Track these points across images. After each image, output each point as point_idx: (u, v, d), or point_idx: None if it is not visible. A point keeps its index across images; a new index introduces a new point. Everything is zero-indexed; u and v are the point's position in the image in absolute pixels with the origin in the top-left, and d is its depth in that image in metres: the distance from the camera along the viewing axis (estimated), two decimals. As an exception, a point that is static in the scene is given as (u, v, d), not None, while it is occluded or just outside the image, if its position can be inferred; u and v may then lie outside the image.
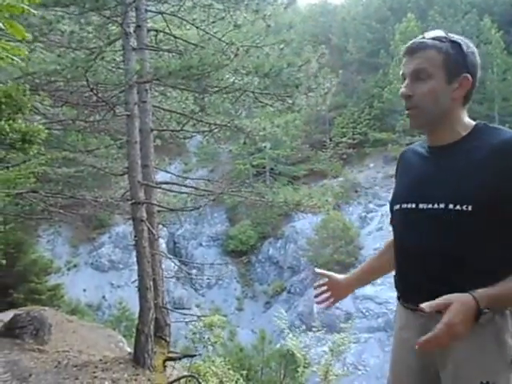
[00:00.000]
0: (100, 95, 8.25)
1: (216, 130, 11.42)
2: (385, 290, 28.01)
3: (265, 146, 12.22)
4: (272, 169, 38.14)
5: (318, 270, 2.51)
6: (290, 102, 10.19)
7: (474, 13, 37.81)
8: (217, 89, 9.26)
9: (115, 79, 8.36)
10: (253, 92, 9.52)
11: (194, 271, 30.11)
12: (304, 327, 23.86)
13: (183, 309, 30.36)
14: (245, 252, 35.52)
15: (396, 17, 40.49)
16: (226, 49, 8.42)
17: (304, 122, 35.85)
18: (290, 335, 12.52)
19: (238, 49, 8.24)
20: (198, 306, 31.60)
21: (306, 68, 9.48)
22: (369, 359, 26.25)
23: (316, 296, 2.49)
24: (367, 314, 27.59)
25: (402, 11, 40.54)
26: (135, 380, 8.50)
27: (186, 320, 10.51)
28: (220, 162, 41.17)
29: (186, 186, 11.61)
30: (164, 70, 7.75)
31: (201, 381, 10.17)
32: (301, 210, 11.17)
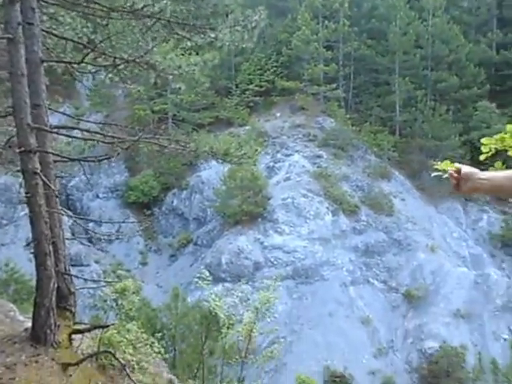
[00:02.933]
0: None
1: (122, 67, 9.64)
2: (293, 239, 28.32)
3: (179, 88, 10.58)
4: (175, 115, 36.09)
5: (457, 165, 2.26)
6: (213, 35, 8.80)
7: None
8: (122, 12, 7.72)
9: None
10: (168, 21, 8.19)
11: (90, 225, 27.95)
12: (212, 278, 23.26)
13: (81, 265, 28.30)
14: (147, 204, 33.78)
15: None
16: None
17: (208, 66, 34.03)
18: (213, 296, 11.61)
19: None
20: (97, 262, 29.63)
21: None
22: (277, 306, 26.50)
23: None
24: (276, 262, 27.73)
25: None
26: (36, 362, 7.26)
27: (93, 286, 9.10)
28: (116, 107, 38.03)
29: (88, 131, 9.86)
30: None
31: (117, 355, 8.97)
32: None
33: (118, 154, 9.61)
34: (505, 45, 36.78)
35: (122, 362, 9.19)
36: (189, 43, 9.09)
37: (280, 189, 30.69)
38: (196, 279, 14.66)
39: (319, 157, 32.28)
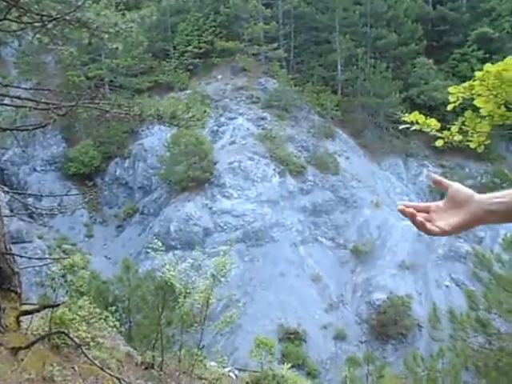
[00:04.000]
0: None
1: (51, 26, 8.75)
2: (241, 203, 28.21)
3: (117, 48, 9.69)
4: (111, 81, 34.40)
5: (432, 176, 1.36)
6: None
7: None
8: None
9: None
10: None
11: (30, 200, 26.53)
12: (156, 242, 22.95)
13: (23, 242, 26.98)
14: (89, 175, 32.41)
15: None
16: None
17: (143, 27, 32.42)
18: (167, 266, 11.26)
19: None
20: (40, 237, 28.32)
21: None
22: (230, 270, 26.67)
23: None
24: (225, 227, 27.60)
25: None
26: (-19, 350, 6.74)
27: (39, 264, 8.52)
28: (47, 74, 35.68)
29: (19, 98, 9.02)
30: None
31: (71, 333, 8.54)
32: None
33: (55, 120, 8.87)
34: (440, 0, 37.42)
35: (77, 340, 8.80)
36: None
37: (226, 153, 30.28)
38: (148, 249, 14.25)
39: (263, 119, 31.98)
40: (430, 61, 35.03)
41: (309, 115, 32.89)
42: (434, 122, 3.87)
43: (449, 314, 9.68)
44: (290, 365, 17.26)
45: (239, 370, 18.50)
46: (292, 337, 24.43)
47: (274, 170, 29.25)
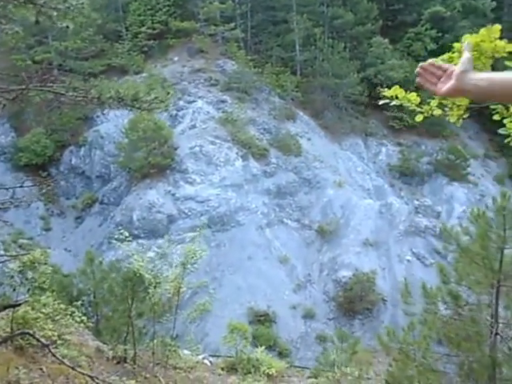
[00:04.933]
0: None
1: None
2: (205, 189, 27.73)
3: (67, 27, 8.95)
4: (61, 65, 32.79)
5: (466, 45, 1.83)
6: None
7: None
8: None
9: None
10: None
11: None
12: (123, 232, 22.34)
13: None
14: (42, 165, 31.03)
15: None
16: None
17: (93, 7, 31.03)
18: (136, 257, 10.84)
19: None
20: (-8, 233, 26.96)
21: None
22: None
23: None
24: (190, 213, 27.11)
25: None
26: None
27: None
28: (-11, 58, 33.68)
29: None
30: None
31: (36, 333, 8.03)
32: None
33: (4, 105, 8.21)
34: (394, -21, 37.68)
35: (43, 340, 8.33)
36: None
37: (186, 138, 29.61)
38: (112, 240, 13.73)
39: (223, 102, 31.41)
40: (386, 40, 35.30)
41: (269, 97, 32.56)
42: (413, 97, 3.69)
43: (422, 288, 9.80)
44: (263, 347, 17.27)
45: (213, 356, 18.36)
46: (262, 319, 24.48)
47: (237, 153, 28.87)
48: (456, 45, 3.92)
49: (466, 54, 1.72)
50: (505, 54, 3.78)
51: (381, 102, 4.06)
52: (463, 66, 1.68)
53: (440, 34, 36.06)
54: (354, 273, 26.26)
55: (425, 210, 29.81)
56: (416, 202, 30.21)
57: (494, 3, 36.56)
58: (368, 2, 35.80)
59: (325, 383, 14.35)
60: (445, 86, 1.68)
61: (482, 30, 3.62)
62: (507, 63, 3.91)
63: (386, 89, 4.10)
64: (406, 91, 4.14)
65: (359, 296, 25.77)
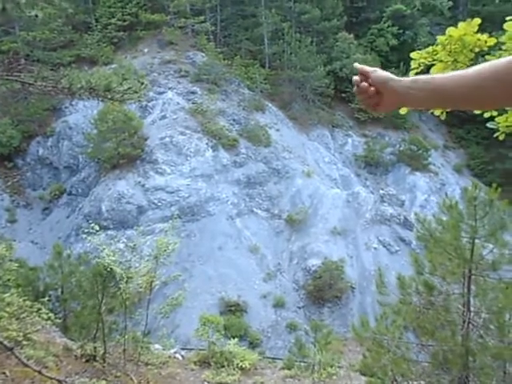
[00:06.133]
0: None
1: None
2: (175, 179, 27.87)
3: (36, 16, 9.00)
4: (28, 55, 32.17)
5: (357, 65, 1.50)
6: None
7: None
8: None
9: None
10: None
11: None
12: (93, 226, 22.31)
13: None
14: (8, 156, 30.43)
15: None
16: None
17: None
18: (106, 251, 10.83)
19: None
20: (-44, 225, 26.34)
21: None
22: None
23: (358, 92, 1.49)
24: (160, 204, 27.19)
25: None
26: None
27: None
28: (-49, 48, 32.72)
29: None
30: None
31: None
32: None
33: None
34: (358, -23, 38.73)
35: (6, 343, 7.94)
36: None
37: (156, 128, 29.64)
38: (80, 231, 13.52)
39: (193, 93, 31.58)
40: (351, 36, 36.27)
41: (239, 89, 32.94)
42: None
43: (397, 279, 9.80)
44: (236, 340, 17.18)
45: (184, 349, 18.24)
46: (233, 309, 24.75)
47: (207, 144, 29.13)
48: (440, 38, 4.02)
49: (368, 67, 1.48)
50: (486, 48, 3.92)
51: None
52: (383, 75, 1.44)
53: (401, 31, 37.41)
54: (323, 261, 26.91)
55: (390, 199, 30.86)
56: (381, 191, 31.24)
57: (451, 2, 38.19)
58: (334, -2, 36.72)
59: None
60: (380, 101, 1.45)
61: (462, 24, 3.82)
62: (487, 57, 4.21)
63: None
64: None
65: (328, 284, 26.42)
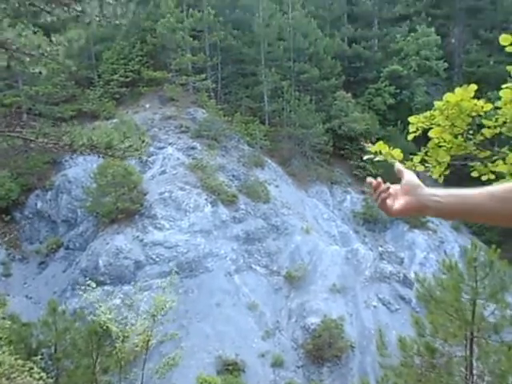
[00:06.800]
0: None
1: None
2: (174, 234, 27.73)
3: (40, 73, 9.14)
4: (30, 109, 32.81)
5: (398, 165, 1.57)
6: (79, 9, 7.67)
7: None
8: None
9: None
10: None
11: None
12: (90, 283, 21.93)
13: None
14: (6, 208, 30.34)
15: None
16: None
17: (67, 54, 31.46)
18: (103, 308, 10.62)
19: None
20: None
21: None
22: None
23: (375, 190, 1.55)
24: (158, 259, 26.91)
25: None
26: None
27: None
28: (-44, 102, 33.35)
29: None
30: None
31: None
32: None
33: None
34: (355, 39, 40.24)
35: None
36: (48, 18, 7.85)
37: (156, 183, 29.79)
38: (75, 287, 13.24)
39: (193, 148, 31.98)
40: (349, 94, 37.20)
41: (238, 145, 33.41)
42: (397, 153, 3.93)
43: (398, 341, 9.60)
44: None
45: None
46: (230, 368, 24.09)
47: (206, 199, 29.19)
48: (437, 103, 4.32)
49: (405, 170, 1.54)
50: (482, 113, 4.09)
51: (365, 157, 4.28)
52: (414, 180, 1.49)
53: (398, 91, 38.46)
54: (323, 319, 26.41)
55: (389, 256, 30.71)
56: (380, 249, 31.12)
57: (446, 64, 39.44)
58: (332, 59, 37.90)
59: None
60: (398, 203, 1.47)
61: (459, 90, 3.90)
62: (485, 122, 4.35)
63: (363, 143, 4.23)
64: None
65: (327, 343, 25.83)
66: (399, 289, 29.05)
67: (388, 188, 1.49)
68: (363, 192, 35.41)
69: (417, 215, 1.44)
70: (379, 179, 1.54)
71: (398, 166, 1.55)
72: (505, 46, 3.61)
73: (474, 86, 3.84)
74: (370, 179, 1.56)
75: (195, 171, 30.31)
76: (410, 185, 1.48)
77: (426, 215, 1.58)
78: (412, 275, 27.45)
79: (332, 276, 28.84)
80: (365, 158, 4.25)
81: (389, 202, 1.49)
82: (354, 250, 30.56)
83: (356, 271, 29.62)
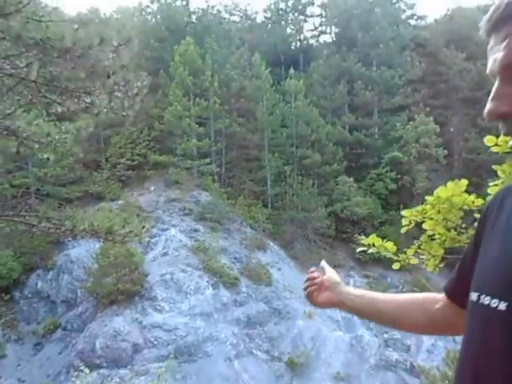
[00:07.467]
0: None
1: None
2: (173, 317, 27.17)
3: (48, 158, 9.61)
4: (38, 189, 33.66)
5: (323, 263, 1.92)
6: (88, 100, 8.13)
7: (245, 48, 41.06)
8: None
9: None
10: (35, 82, 7.36)
11: None
12: (84, 367, 21.29)
13: None
14: (6, 288, 30.08)
15: (174, 38, 40.97)
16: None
17: (75, 140, 32.86)
18: None
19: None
20: None
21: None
22: (161, 391, 24.76)
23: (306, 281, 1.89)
24: (156, 342, 26.16)
25: (179, 33, 41.33)
26: None
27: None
28: (-33, 181, 34.29)
29: None
30: None
31: None
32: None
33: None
34: (356, 127, 41.82)
35: None
36: (59, 109, 8.21)
37: (157, 265, 29.71)
38: (69, 369, 13.00)
39: (196, 230, 32.23)
40: (351, 179, 38.02)
41: (241, 227, 33.67)
42: (390, 245, 3.98)
43: None
44: None
45: None
46: None
47: (208, 281, 28.94)
48: (429, 198, 4.12)
49: (329, 268, 1.85)
50: (474, 208, 3.99)
51: (358, 250, 4.38)
52: (335, 278, 1.78)
53: (399, 176, 39.28)
54: (326, 411, 25.15)
55: (394, 344, 29.68)
56: (385, 335, 30.14)
57: (446, 151, 40.59)
58: (333, 145, 39.18)
59: None
60: (321, 296, 1.75)
61: (451, 184, 3.97)
62: (476, 215, 4.34)
63: (361, 237, 4.29)
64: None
65: None
66: (406, 378, 27.80)
67: (318, 282, 1.77)
68: (366, 276, 35.00)
69: (336, 308, 1.88)
70: (316, 273, 1.83)
71: (323, 263, 1.87)
72: (490, 146, 3.77)
73: (464, 181, 3.88)
74: (313, 269, 1.86)
75: (197, 253, 30.33)
76: (330, 282, 1.76)
77: (342, 310, 1.81)
78: (420, 363, 26.39)
79: (336, 363, 27.74)
80: (358, 250, 4.30)
81: (315, 293, 1.78)
82: (359, 336, 29.64)
83: (361, 359, 28.52)
